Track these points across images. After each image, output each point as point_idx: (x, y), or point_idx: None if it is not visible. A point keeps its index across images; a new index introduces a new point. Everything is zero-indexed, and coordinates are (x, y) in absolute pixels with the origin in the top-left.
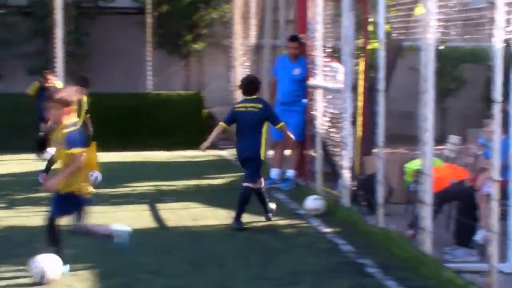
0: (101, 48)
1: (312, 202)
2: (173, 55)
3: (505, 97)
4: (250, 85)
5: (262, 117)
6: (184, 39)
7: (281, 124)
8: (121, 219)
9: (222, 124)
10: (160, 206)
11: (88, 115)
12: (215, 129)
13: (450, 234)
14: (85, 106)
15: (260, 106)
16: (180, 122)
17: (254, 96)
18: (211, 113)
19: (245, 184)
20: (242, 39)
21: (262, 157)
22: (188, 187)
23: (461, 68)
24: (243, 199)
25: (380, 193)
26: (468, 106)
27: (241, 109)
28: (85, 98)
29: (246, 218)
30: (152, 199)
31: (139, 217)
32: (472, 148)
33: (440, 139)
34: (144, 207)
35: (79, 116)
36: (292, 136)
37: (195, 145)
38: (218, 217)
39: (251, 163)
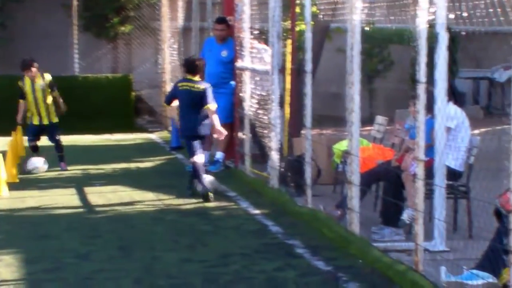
0: (27, 31)
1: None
2: (101, 38)
3: (430, 78)
4: (192, 65)
5: (203, 97)
6: (111, 22)
7: (210, 107)
8: (48, 203)
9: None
10: (88, 189)
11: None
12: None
13: (377, 214)
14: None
15: (203, 87)
16: (108, 105)
17: (197, 77)
18: (139, 96)
19: (191, 159)
20: (170, 22)
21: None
22: (116, 171)
23: (388, 49)
24: (196, 171)
25: (308, 174)
26: (395, 87)
27: (185, 87)
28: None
29: (174, 201)
30: (79, 183)
31: (67, 201)
32: (398, 129)
33: (368, 120)
34: (72, 191)
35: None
36: (216, 123)
37: (123, 128)
38: (146, 200)
39: (193, 139)
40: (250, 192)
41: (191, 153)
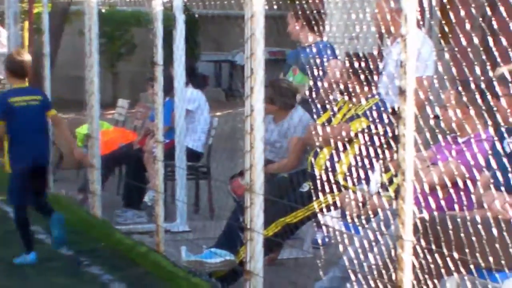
0: None
1: None
2: None
3: (170, 61)
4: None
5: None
6: None
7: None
8: None
9: None
10: None
11: None
12: None
13: (120, 197)
14: None
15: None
16: None
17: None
18: None
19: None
20: None
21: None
22: None
23: (132, 32)
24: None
25: (50, 159)
26: (139, 70)
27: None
28: None
29: None
30: None
31: None
32: (140, 111)
33: (112, 104)
34: None
35: None
36: None
37: None
38: None
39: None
40: None
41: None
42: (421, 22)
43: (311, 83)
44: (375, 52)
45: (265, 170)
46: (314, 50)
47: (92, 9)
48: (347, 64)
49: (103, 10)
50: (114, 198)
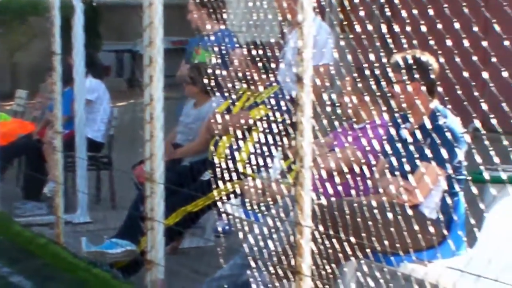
0: None
1: None
2: None
3: (68, 50)
4: None
5: None
6: None
7: None
8: None
9: None
10: None
11: None
12: None
13: (19, 189)
14: None
15: None
16: None
17: None
18: None
19: None
20: None
21: None
22: None
23: (30, 21)
24: None
25: None
26: (39, 60)
27: None
28: None
29: None
30: None
31: None
32: (40, 102)
33: (10, 94)
34: None
35: None
36: None
37: None
38: None
39: None
40: None
41: None
42: (317, 10)
43: (214, 60)
44: (273, 40)
45: (174, 154)
46: (214, 38)
47: None
48: (246, 53)
49: None
50: (13, 190)
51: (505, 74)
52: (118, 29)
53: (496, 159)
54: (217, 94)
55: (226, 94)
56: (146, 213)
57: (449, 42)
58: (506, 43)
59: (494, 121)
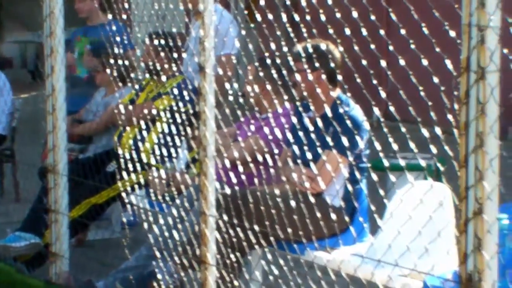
0: None
1: None
2: None
3: None
4: None
5: None
6: None
7: None
8: None
9: None
10: None
11: None
12: None
13: None
14: None
15: None
16: None
17: None
18: None
19: None
20: None
21: None
22: None
23: None
24: None
25: None
26: None
27: None
28: None
29: None
30: None
31: None
32: None
33: None
34: None
35: None
36: None
37: None
38: None
39: None
40: None
41: None
42: None
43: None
44: (175, 30)
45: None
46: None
47: None
48: (148, 42)
49: None
50: None
51: (402, 62)
52: (22, 19)
53: (395, 147)
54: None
55: (130, 85)
56: (50, 205)
57: (347, 31)
58: (403, 31)
59: (392, 109)
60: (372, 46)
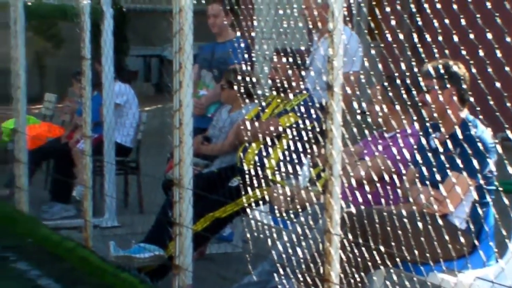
0: None
1: None
2: None
3: (98, 55)
4: None
5: None
6: None
7: None
8: None
9: None
10: None
11: None
12: None
13: (48, 192)
14: None
15: None
16: None
17: None
18: None
19: None
20: None
21: None
22: None
23: (58, 26)
24: None
25: None
26: (68, 64)
27: None
28: None
29: None
30: None
31: None
32: (68, 106)
33: (40, 98)
34: None
35: None
36: None
37: None
38: None
39: None
40: None
41: None
42: (347, 18)
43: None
44: (303, 48)
45: (200, 148)
46: (234, 45)
47: (17, 1)
48: (276, 60)
49: (29, 3)
50: (41, 194)
51: None
52: (146, 34)
53: None
54: (255, 100)
55: (256, 101)
56: (174, 218)
57: (481, 52)
58: None
59: None
60: (507, 68)
